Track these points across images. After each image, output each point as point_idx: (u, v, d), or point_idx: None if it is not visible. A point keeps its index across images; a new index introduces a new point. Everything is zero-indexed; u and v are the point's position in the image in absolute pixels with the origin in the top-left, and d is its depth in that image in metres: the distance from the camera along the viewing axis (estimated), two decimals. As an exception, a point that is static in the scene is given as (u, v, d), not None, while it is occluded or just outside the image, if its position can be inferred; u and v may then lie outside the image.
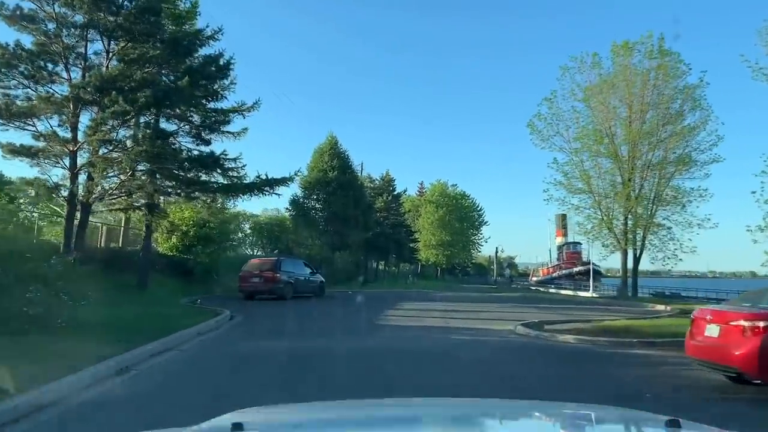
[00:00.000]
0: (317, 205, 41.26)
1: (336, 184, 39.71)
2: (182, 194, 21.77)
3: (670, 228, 31.64)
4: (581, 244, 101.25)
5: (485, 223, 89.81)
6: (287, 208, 41.19)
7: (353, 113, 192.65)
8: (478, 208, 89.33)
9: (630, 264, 34.61)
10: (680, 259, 33.00)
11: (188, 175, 21.11)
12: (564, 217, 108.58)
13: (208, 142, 22.28)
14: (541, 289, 74.72)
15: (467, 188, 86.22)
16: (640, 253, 33.25)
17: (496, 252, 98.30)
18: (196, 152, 21.88)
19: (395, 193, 55.54)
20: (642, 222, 31.57)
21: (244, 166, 22.11)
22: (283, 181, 23.03)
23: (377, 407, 2.77)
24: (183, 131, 22.08)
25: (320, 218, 41.16)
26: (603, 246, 34.82)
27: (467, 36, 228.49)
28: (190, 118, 22.06)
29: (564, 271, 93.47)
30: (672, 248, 32.33)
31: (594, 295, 56.77)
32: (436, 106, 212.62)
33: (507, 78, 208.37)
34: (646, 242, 32.54)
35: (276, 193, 22.98)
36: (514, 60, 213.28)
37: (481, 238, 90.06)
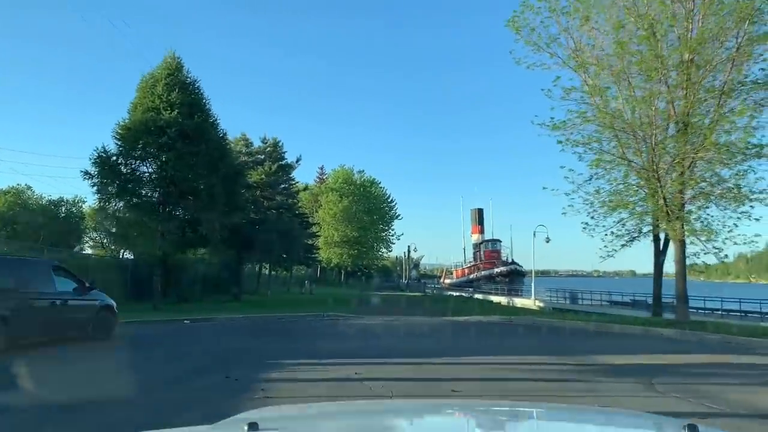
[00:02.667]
0: (145, 168, 24.81)
1: (176, 131, 23.45)
2: None
3: (738, 191, 18.17)
4: (501, 241, 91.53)
5: (398, 216, 75.90)
6: (85, 174, 24.02)
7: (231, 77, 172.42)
8: (389, 199, 75.25)
9: (664, 258, 20.96)
10: (726, 253, 19.76)
11: None
12: (480, 212, 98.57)
13: None
14: (463, 294, 62.32)
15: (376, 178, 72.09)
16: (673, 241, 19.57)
17: (408, 251, 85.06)
18: None
19: (283, 162, 39.20)
20: (709, 185, 17.96)
21: None
22: None
23: (393, 408, 2.94)
24: None
25: (150, 192, 24.83)
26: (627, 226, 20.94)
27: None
28: None
29: (483, 272, 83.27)
30: (723, 235, 18.80)
31: (538, 303, 44.59)
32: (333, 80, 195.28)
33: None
34: (693, 222, 18.87)
35: None
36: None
37: (393, 235, 76.15)
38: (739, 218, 18.70)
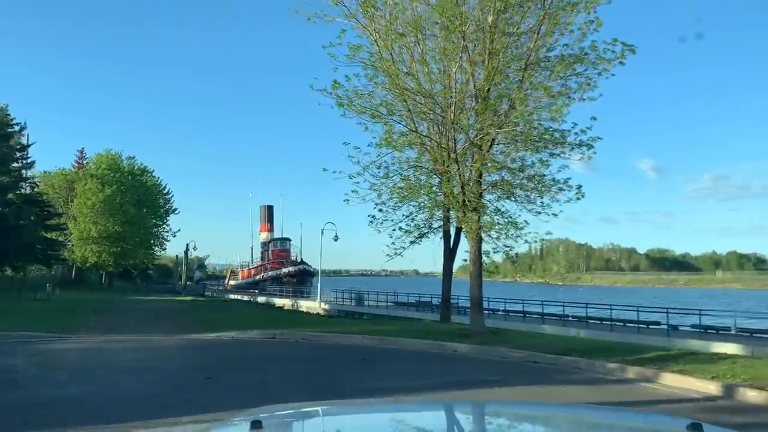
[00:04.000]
0: None
1: None
2: None
3: (541, 180, 15.81)
4: (290, 240, 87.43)
5: (174, 210, 67.70)
6: None
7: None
8: (165, 192, 66.79)
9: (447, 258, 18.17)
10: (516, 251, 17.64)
11: None
12: (270, 209, 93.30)
13: None
14: (244, 297, 57.47)
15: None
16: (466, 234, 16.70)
17: (187, 250, 77.09)
18: None
19: (10, 128, 29.94)
20: (510, 172, 15.21)
21: None
22: None
23: (396, 407, 2.89)
24: None
25: None
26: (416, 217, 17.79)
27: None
28: None
29: (270, 273, 79.10)
30: (516, 228, 16.38)
31: (323, 306, 42.14)
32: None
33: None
34: (491, 214, 16.16)
35: None
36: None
37: (169, 231, 67.78)
38: (538, 212, 16.39)
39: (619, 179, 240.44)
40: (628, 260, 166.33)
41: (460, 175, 14.09)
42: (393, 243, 19.71)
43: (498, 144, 15.71)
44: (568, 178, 15.57)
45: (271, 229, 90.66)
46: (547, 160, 14.97)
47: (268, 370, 10.51)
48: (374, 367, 11.07)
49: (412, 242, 20.68)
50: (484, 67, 14.84)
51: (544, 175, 15.31)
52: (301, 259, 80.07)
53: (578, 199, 16.27)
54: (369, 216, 18.75)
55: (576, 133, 15.60)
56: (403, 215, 19.56)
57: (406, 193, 15.85)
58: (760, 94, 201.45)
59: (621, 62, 14.99)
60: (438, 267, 23.25)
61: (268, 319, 24.46)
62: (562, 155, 15.69)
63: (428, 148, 14.97)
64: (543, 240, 17.21)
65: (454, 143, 14.01)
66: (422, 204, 18.67)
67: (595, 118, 15.71)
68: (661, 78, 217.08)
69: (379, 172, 15.31)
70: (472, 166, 14.61)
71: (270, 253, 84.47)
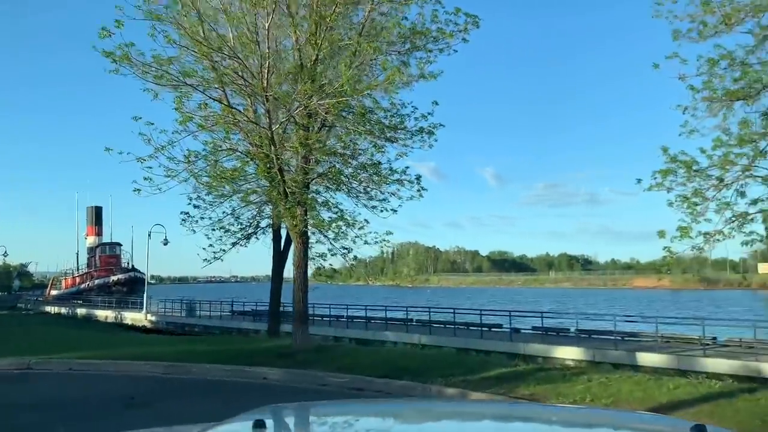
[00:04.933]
0: None
1: None
2: None
3: (377, 169, 13.64)
4: (121, 245, 79.56)
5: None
6: None
7: None
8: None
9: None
10: (356, 254, 15.28)
11: None
12: (98, 210, 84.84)
13: None
14: (61, 310, 50.74)
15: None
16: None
17: (-5, 257, 67.10)
18: None
19: None
20: (342, 159, 12.80)
21: None
22: None
23: (398, 408, 2.78)
24: None
25: None
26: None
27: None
28: None
29: (97, 281, 71.77)
30: (348, 226, 14.20)
31: (150, 318, 38.15)
32: None
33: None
34: (320, 209, 13.69)
35: None
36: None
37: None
38: (374, 207, 14.21)
39: (464, 186, 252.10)
40: (472, 262, 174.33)
41: (277, 159, 11.34)
42: (211, 245, 16.61)
43: (328, 127, 13.26)
44: (407, 167, 13.52)
45: (99, 233, 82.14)
46: (383, 146, 12.79)
47: None
48: (145, 411, 8.03)
49: (234, 243, 17.70)
50: (308, 29, 12.31)
51: (380, 163, 13.10)
52: (133, 265, 72.87)
53: (420, 195, 14.36)
54: (182, 213, 15.48)
55: (416, 119, 13.65)
56: (224, 212, 16.55)
57: (215, 183, 12.81)
58: (589, 110, 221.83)
59: (464, 39, 13.25)
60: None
61: (61, 339, 20.01)
62: (400, 141, 13.64)
63: (241, 125, 12.06)
64: (384, 241, 15.05)
65: (269, 119, 11.22)
66: (246, 198, 15.79)
67: (436, 103, 13.83)
68: (497, 85, 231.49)
69: (180, 156, 12.11)
70: (292, 147, 11.94)
71: (97, 259, 76.51)
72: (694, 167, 9.84)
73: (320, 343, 15.03)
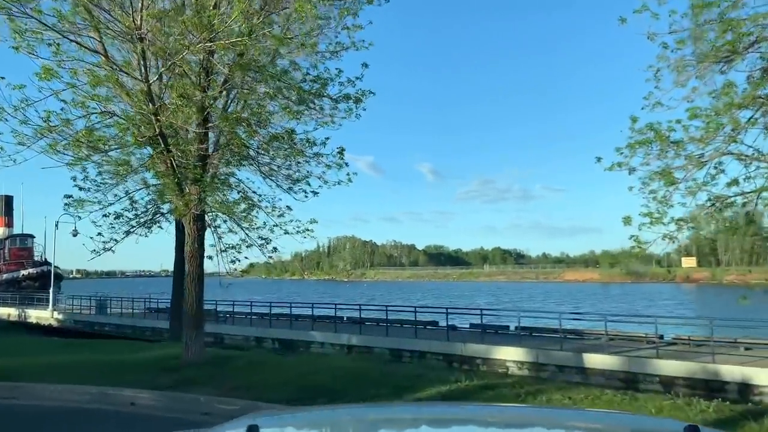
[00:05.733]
0: None
1: None
2: None
3: (291, 140, 11.33)
4: (34, 236, 74.00)
5: None
6: None
7: None
8: None
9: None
10: (275, 246, 13.03)
11: None
12: (8, 199, 78.86)
13: None
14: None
15: None
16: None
17: None
18: None
19: None
20: (247, 127, 10.39)
21: None
22: None
23: (390, 410, 2.75)
24: None
25: None
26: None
27: None
28: None
29: (6, 275, 66.80)
30: (252, 207, 11.99)
31: (57, 316, 35.23)
32: None
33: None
34: (222, 188, 11.35)
35: None
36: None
37: None
38: (291, 189, 11.94)
39: (402, 181, 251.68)
40: (408, 256, 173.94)
41: (156, 119, 8.81)
42: (100, 234, 13.83)
43: (232, 89, 10.82)
44: (327, 138, 11.26)
45: (9, 224, 76.52)
46: (298, 112, 10.45)
47: None
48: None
49: (128, 232, 14.95)
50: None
51: (294, 132, 10.77)
52: (46, 258, 67.75)
53: (350, 180, 12.20)
54: (65, 197, 12.65)
55: (342, 83, 11.43)
56: (115, 195, 13.79)
57: (86, 152, 10.12)
58: (521, 108, 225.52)
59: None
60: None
61: None
62: (324, 111, 11.39)
63: (113, 79, 9.41)
64: (308, 230, 12.81)
65: (144, 67, 8.67)
66: (136, 176, 13.09)
67: (366, 65, 11.64)
68: (436, 84, 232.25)
69: (38, 120, 9.36)
70: (172, 103, 9.42)
71: (7, 252, 70.94)
72: (671, 138, 8.11)
73: (219, 352, 12.57)
